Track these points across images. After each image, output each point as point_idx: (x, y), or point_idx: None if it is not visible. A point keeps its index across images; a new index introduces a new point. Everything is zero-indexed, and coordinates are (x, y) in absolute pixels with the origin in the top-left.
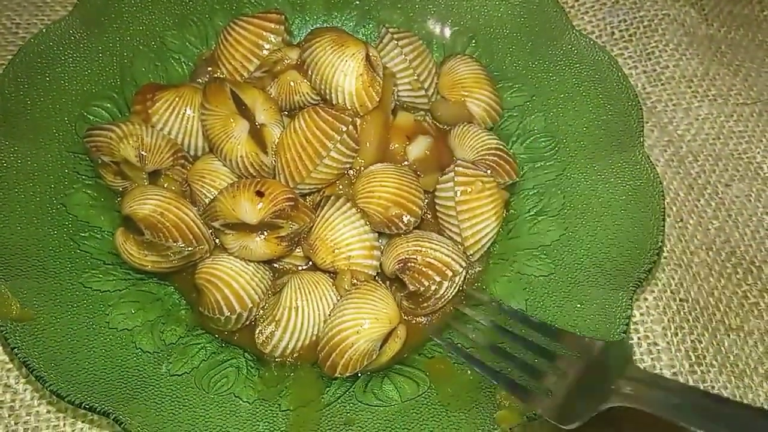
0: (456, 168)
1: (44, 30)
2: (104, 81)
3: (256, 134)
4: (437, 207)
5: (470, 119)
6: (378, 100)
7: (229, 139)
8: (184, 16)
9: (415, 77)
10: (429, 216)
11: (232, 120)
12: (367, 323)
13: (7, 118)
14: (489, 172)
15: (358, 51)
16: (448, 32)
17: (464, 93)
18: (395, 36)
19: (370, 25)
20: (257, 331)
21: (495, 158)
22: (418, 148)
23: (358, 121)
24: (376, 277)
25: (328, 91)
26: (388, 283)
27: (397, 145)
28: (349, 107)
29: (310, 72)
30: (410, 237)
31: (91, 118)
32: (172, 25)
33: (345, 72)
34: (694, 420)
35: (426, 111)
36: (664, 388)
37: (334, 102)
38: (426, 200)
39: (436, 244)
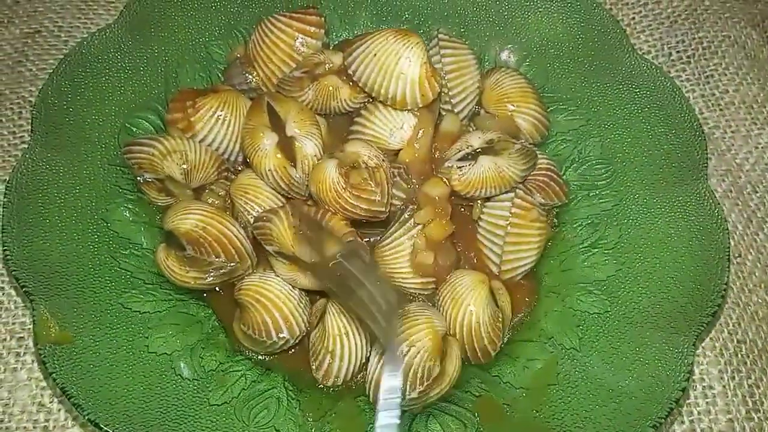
0: (517, 190)
1: (89, 38)
2: (148, 92)
3: (286, 147)
4: (481, 221)
5: (518, 134)
6: (439, 91)
7: (256, 151)
8: (231, 27)
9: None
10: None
11: (261, 132)
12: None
13: (49, 129)
14: (538, 195)
15: (421, 41)
16: (501, 50)
17: (511, 107)
18: (441, 45)
19: None
20: (314, 368)
21: (545, 179)
22: None
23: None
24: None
25: (386, 82)
26: None
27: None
28: (409, 98)
29: (361, 68)
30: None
31: (135, 129)
32: (218, 35)
33: (410, 58)
34: None
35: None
36: None
37: (390, 95)
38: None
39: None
